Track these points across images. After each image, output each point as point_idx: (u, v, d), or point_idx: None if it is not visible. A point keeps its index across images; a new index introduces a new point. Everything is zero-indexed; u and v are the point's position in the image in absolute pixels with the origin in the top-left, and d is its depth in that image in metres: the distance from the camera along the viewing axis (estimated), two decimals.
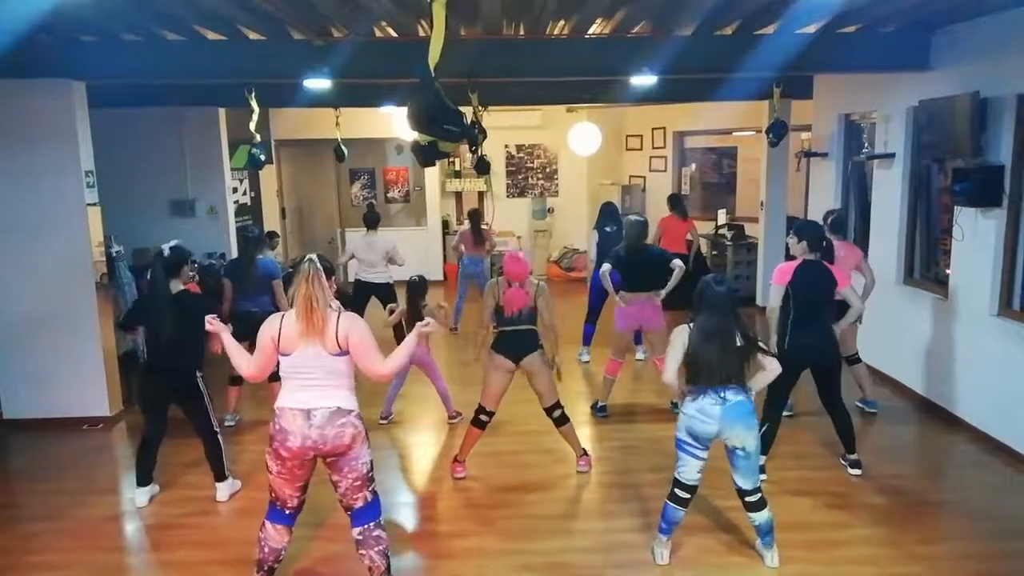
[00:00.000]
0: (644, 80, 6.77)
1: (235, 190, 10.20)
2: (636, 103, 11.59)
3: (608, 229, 7.81)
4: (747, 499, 3.97)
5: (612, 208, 8.05)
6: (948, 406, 6.05)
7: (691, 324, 3.92)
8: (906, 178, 6.71)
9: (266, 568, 3.67)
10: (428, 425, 6.28)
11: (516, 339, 5.00)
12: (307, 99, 7.31)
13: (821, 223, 5.41)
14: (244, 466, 5.34)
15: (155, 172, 9.25)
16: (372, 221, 7.92)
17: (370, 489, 3.62)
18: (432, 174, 12.33)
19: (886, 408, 6.31)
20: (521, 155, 13.07)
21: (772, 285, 4.95)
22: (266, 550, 3.65)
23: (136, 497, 4.86)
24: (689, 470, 3.95)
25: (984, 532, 4.37)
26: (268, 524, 3.66)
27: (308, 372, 3.46)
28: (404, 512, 4.86)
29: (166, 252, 4.74)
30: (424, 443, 5.97)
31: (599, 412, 6.32)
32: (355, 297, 8.01)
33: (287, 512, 3.65)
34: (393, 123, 11.18)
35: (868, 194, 7.61)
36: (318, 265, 3.46)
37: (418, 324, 3.62)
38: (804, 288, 4.84)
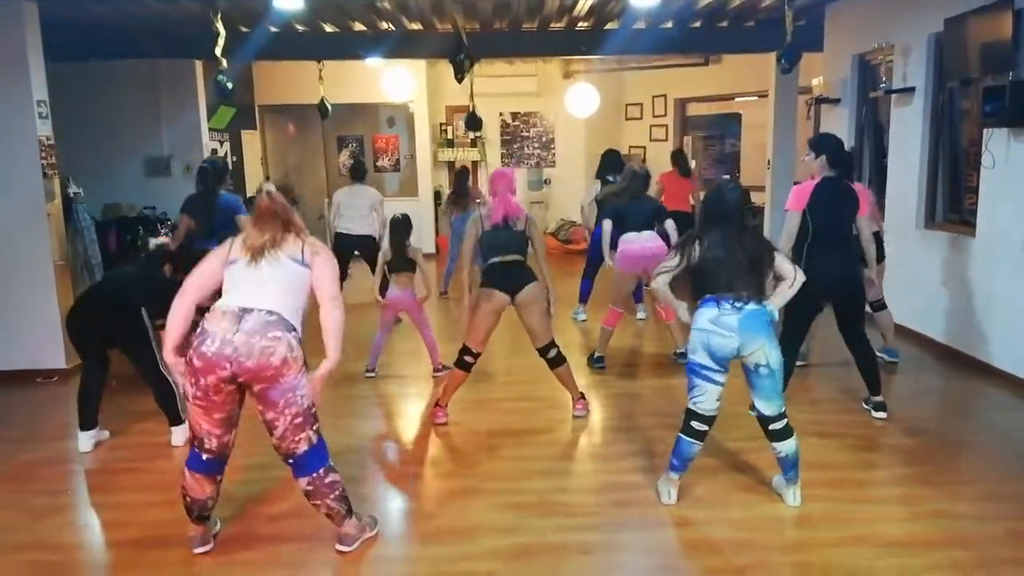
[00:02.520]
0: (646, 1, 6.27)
1: (215, 152, 9.70)
2: (636, 59, 11.20)
3: (611, 179, 7.30)
4: (771, 427, 3.48)
5: (615, 157, 7.53)
6: (976, 353, 5.56)
7: (698, 239, 3.44)
8: (927, 113, 6.22)
9: (195, 515, 3.15)
10: (414, 377, 5.78)
11: (509, 272, 4.51)
12: (280, 20, 6.84)
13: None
14: None
15: (129, 129, 8.75)
16: (359, 173, 7.48)
17: (313, 429, 3.04)
18: (424, 143, 11.85)
19: (909, 359, 5.82)
20: (517, 123, 12.58)
21: (787, 212, 4.44)
22: (188, 499, 3.11)
23: (79, 442, 4.37)
24: (707, 399, 3.45)
25: (1020, 475, 3.87)
26: (186, 471, 3.09)
27: (257, 276, 2.96)
28: (382, 457, 4.36)
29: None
30: (408, 394, 5.47)
31: (596, 364, 5.83)
32: (337, 252, 7.53)
33: (204, 457, 3.05)
34: (383, 87, 10.74)
35: (884, 138, 7.12)
36: (275, 192, 3.07)
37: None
38: (823, 209, 4.33)
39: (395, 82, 10.63)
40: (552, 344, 4.64)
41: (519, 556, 3.15)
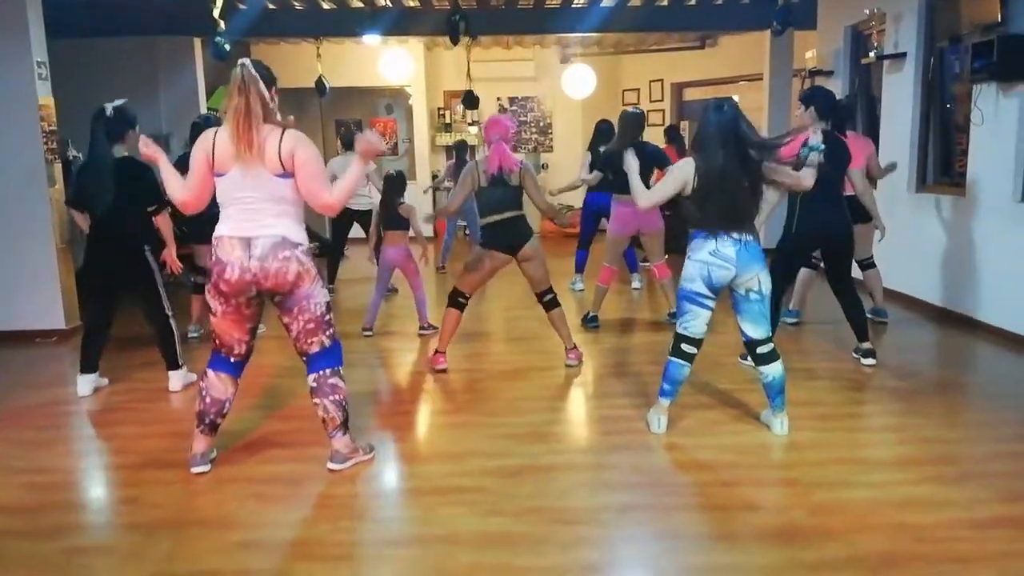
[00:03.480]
0: None
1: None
2: (633, 42, 11.25)
3: (602, 150, 7.33)
4: (758, 350, 3.53)
5: (608, 127, 7.54)
6: (966, 311, 5.61)
7: (695, 166, 3.47)
8: (918, 77, 6.29)
9: (207, 421, 3.22)
10: (412, 336, 5.81)
11: (508, 227, 4.54)
12: None
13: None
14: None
15: (141, 110, 8.81)
16: (350, 141, 7.49)
17: (327, 334, 3.19)
18: (422, 128, 11.91)
19: (900, 320, 5.86)
20: (514, 108, 12.63)
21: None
22: (207, 400, 3.21)
23: (78, 385, 4.41)
24: (698, 323, 3.52)
25: (1012, 418, 3.87)
26: (211, 372, 3.23)
27: (247, 196, 3.01)
28: (379, 400, 4.40)
29: (109, 112, 4.29)
30: (405, 349, 5.50)
31: (590, 323, 5.87)
32: (335, 225, 7.60)
33: (232, 360, 3.22)
34: (381, 70, 10.80)
35: (877, 108, 7.18)
36: (252, 71, 2.97)
37: (364, 135, 3.15)
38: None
39: (393, 65, 10.69)
40: (550, 290, 4.70)
41: (510, 475, 3.20)
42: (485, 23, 8.47)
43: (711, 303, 3.49)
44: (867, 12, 6.69)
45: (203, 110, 8.98)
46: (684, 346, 3.55)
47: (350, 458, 3.28)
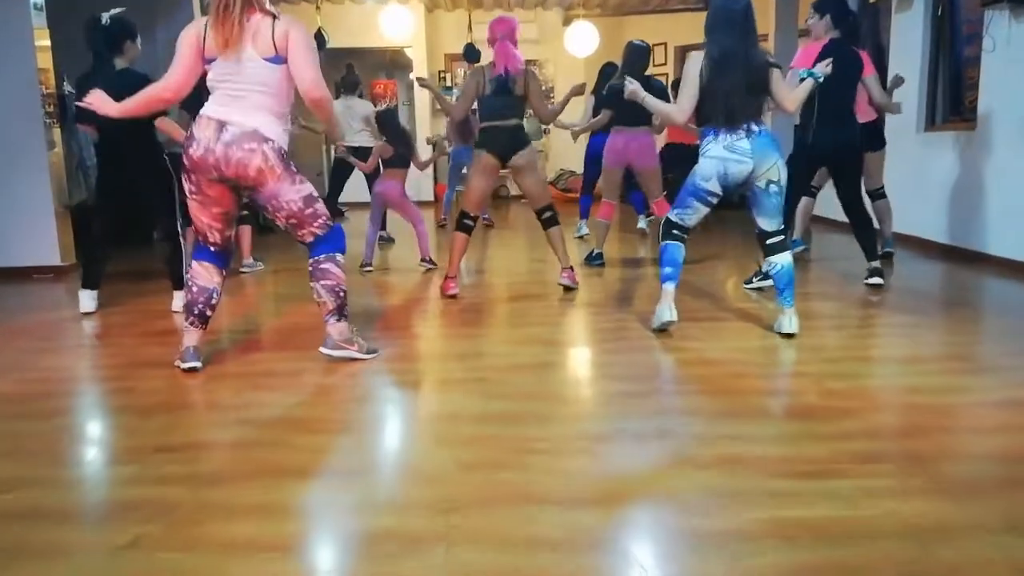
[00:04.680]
0: None
1: None
2: (642, 2, 11.15)
3: (605, 94, 7.22)
4: (769, 241, 3.49)
5: (613, 69, 7.41)
6: (975, 245, 5.52)
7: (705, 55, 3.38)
8: (927, 17, 6.19)
9: (196, 312, 3.15)
10: (414, 269, 5.71)
11: (503, 134, 4.46)
12: None
13: None
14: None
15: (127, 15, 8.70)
16: (351, 84, 7.39)
17: (316, 224, 3.13)
18: (422, 90, 11.72)
19: (907, 257, 5.77)
20: None
21: (792, 70, 4.39)
22: (195, 289, 3.16)
23: (80, 300, 4.33)
24: (695, 218, 3.51)
25: (1019, 329, 3.79)
26: (195, 261, 3.19)
27: (234, 81, 2.94)
28: (383, 322, 4.32)
29: (105, 21, 4.18)
30: (408, 281, 5.40)
31: (594, 261, 5.76)
32: (335, 171, 7.49)
33: (211, 248, 3.17)
34: (381, 30, 10.69)
35: (884, 57, 7.06)
36: None
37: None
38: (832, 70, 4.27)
39: (393, 25, 10.57)
40: (549, 207, 4.62)
41: (511, 370, 3.13)
42: None
43: (715, 201, 3.45)
44: None
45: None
46: (676, 231, 3.53)
47: (343, 347, 3.22)
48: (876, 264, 4.56)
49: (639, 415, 2.60)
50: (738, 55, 3.28)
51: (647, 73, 5.77)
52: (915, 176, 6.21)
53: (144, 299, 4.71)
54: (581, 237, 7.31)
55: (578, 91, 4.86)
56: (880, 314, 4.07)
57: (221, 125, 2.93)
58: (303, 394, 2.91)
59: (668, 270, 3.50)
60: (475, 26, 9.97)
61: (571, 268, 4.72)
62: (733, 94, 3.27)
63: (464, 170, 8.65)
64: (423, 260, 5.70)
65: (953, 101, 6.18)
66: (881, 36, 7.22)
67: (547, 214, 4.65)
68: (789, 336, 3.44)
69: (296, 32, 2.94)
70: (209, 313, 3.19)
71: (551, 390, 2.88)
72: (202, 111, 2.99)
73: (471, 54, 9.34)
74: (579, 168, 12.02)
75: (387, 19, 10.50)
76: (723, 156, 3.31)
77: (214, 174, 2.98)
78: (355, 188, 7.83)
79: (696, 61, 3.36)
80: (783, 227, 3.50)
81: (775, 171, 3.35)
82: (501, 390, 2.86)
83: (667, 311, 3.49)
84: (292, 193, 3.06)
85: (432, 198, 11.85)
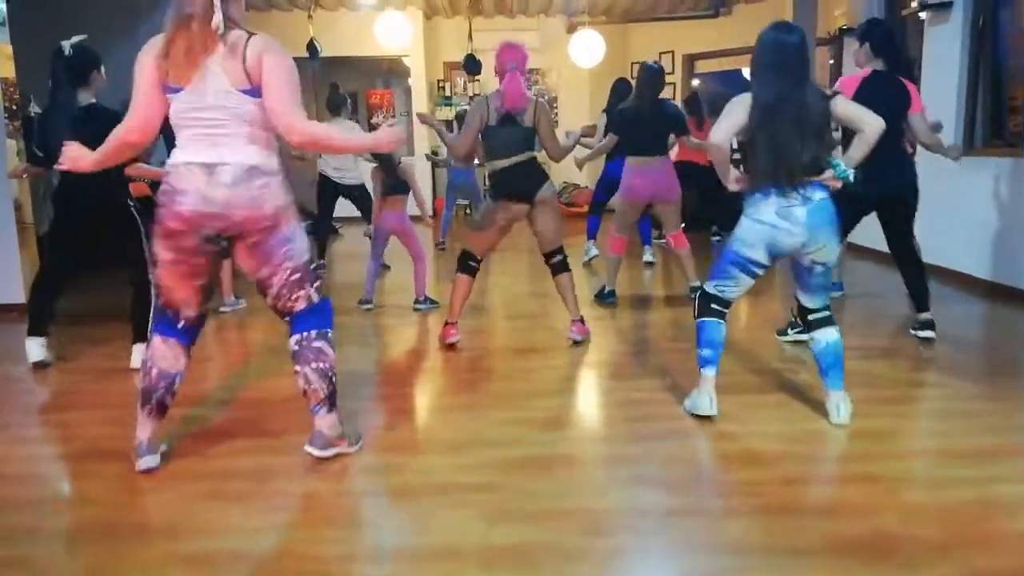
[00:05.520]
0: None
1: None
2: (642, 9, 10.63)
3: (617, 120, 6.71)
4: (811, 316, 2.99)
5: (626, 86, 6.93)
6: (1022, 284, 5.04)
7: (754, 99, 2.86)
8: (966, 28, 5.69)
9: (154, 400, 2.63)
10: (411, 308, 5.25)
11: (520, 172, 3.97)
12: None
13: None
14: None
15: (108, 66, 8.20)
16: (336, 105, 6.91)
17: (314, 287, 2.65)
18: (420, 100, 11.29)
19: (950, 295, 5.29)
20: None
21: None
22: (153, 373, 2.62)
23: (28, 350, 3.85)
24: (739, 290, 3.00)
25: None
26: (157, 338, 2.65)
27: (209, 116, 2.43)
28: (376, 379, 3.82)
29: (67, 51, 3.71)
30: (408, 323, 4.93)
31: (606, 299, 5.29)
32: (321, 195, 7.02)
33: (181, 324, 2.64)
34: (377, 38, 10.18)
35: (914, 69, 6.57)
36: None
37: (385, 125, 2.70)
38: (871, 104, 3.71)
39: (390, 32, 10.07)
40: (560, 250, 4.15)
41: (520, 467, 2.64)
42: None
43: (762, 272, 2.95)
44: None
45: None
46: (716, 305, 3.01)
47: (334, 445, 2.70)
48: (929, 316, 4.07)
49: (686, 553, 2.12)
50: (792, 101, 2.77)
51: (661, 96, 5.29)
52: (952, 205, 5.72)
53: (103, 348, 4.23)
54: (589, 262, 6.85)
55: (588, 133, 4.41)
56: (936, 380, 3.56)
57: (210, 168, 2.42)
58: (274, 509, 2.40)
59: (707, 352, 2.99)
60: (475, 34, 9.51)
61: (581, 319, 4.23)
62: (787, 148, 2.76)
63: (460, 188, 8.23)
64: (418, 301, 5.22)
65: (995, 123, 5.70)
66: (910, 45, 6.73)
67: (556, 258, 4.16)
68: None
69: (271, 57, 2.43)
70: (169, 401, 2.68)
71: (570, 504, 2.38)
72: (174, 159, 2.48)
73: (472, 66, 8.88)
74: (583, 181, 11.60)
75: (383, 27, 9.99)
76: (774, 223, 2.80)
77: (213, 229, 2.46)
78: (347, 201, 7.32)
79: (741, 106, 2.83)
80: (828, 304, 3.01)
81: (826, 252, 2.86)
82: (508, 504, 2.37)
83: (706, 402, 2.99)
84: (302, 239, 2.61)
85: (431, 212, 11.33)
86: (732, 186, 2.96)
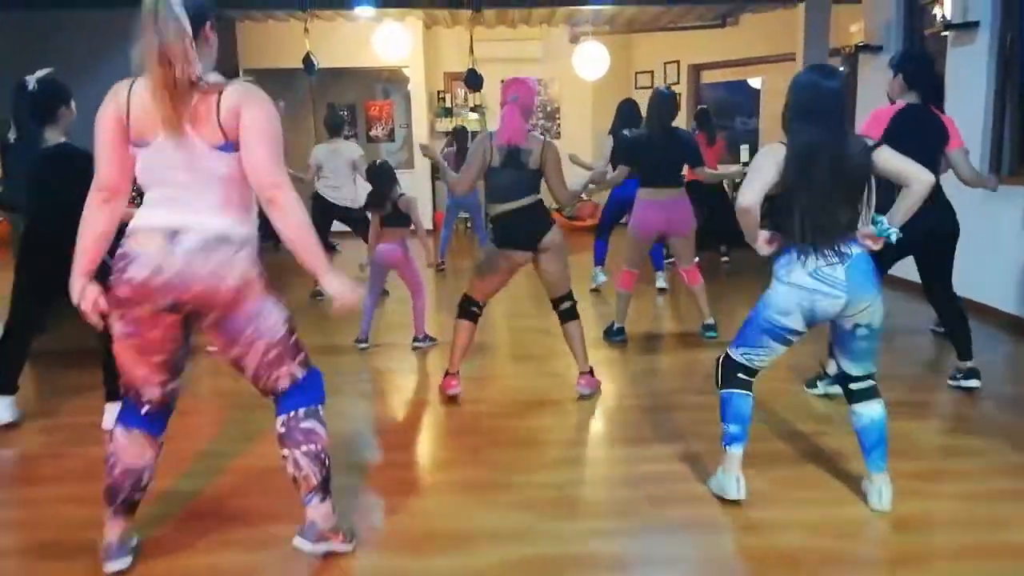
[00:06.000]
0: None
1: None
2: (647, 19, 10.35)
3: (627, 133, 6.42)
4: (853, 385, 2.72)
5: (633, 108, 6.64)
6: None
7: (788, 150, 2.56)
8: (993, 49, 5.42)
9: (121, 500, 2.35)
10: (409, 348, 4.98)
11: (523, 217, 3.69)
12: None
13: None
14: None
15: (95, 88, 7.86)
16: (335, 126, 6.70)
17: (298, 360, 2.34)
18: (421, 111, 11.02)
19: (981, 334, 4.95)
20: None
21: None
22: (117, 471, 2.33)
23: None
24: (769, 360, 2.72)
25: None
26: (118, 429, 2.35)
27: (177, 177, 2.15)
28: (369, 443, 3.55)
29: (32, 86, 3.44)
30: (404, 369, 4.66)
31: (615, 337, 5.02)
32: (316, 214, 6.76)
33: (143, 410, 2.33)
34: (376, 49, 9.91)
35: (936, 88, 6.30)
36: (172, 1, 2.06)
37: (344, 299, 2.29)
38: (904, 142, 3.40)
39: (389, 43, 9.79)
40: (568, 296, 3.88)
41: (533, 571, 2.36)
42: None
43: (798, 340, 2.66)
44: None
45: None
46: (743, 375, 2.73)
47: (327, 538, 2.40)
48: (972, 364, 3.80)
49: None
50: (830, 152, 2.48)
51: (674, 124, 5.01)
52: (977, 234, 5.42)
53: (80, 398, 3.97)
54: (596, 289, 6.58)
55: (598, 179, 4.16)
56: (988, 446, 3.24)
57: (172, 234, 2.12)
58: None
59: (733, 429, 2.71)
60: (477, 45, 9.21)
61: (590, 371, 3.96)
62: (824, 203, 2.48)
63: (459, 206, 7.95)
64: (416, 339, 4.95)
65: (1023, 150, 5.42)
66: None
67: (565, 304, 3.89)
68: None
69: (250, 110, 2.12)
70: (139, 497, 2.39)
71: None
72: (136, 222, 2.18)
73: (473, 80, 8.59)
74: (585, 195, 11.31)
75: (382, 37, 9.72)
76: (810, 287, 2.52)
77: (165, 302, 2.15)
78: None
79: (771, 160, 2.55)
80: (872, 373, 2.73)
81: (869, 313, 2.58)
82: None
83: (733, 485, 2.70)
84: (276, 313, 2.28)
85: (431, 226, 11.07)
86: (763, 250, 2.68)
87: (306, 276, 6.29)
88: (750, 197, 2.54)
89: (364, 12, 8.45)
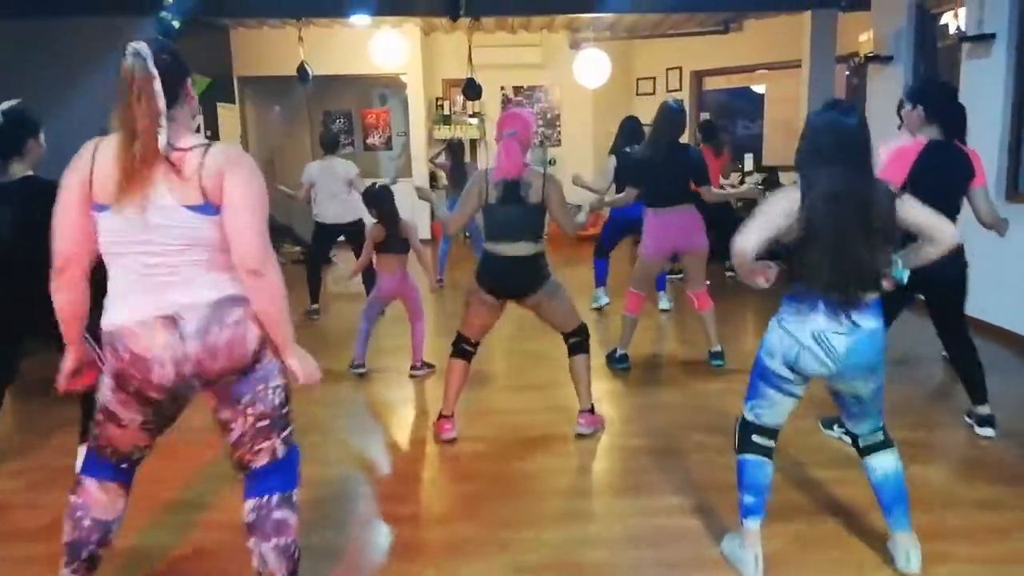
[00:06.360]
0: None
1: None
2: (649, 26, 10.16)
3: (629, 151, 6.21)
4: (862, 442, 2.56)
5: (635, 125, 6.44)
6: None
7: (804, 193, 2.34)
8: (1010, 63, 5.24)
9: (84, 556, 2.17)
10: (406, 373, 4.79)
11: (513, 268, 3.48)
12: None
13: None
14: None
15: (78, 99, 7.69)
16: (330, 143, 6.53)
17: (283, 436, 2.16)
18: (419, 118, 10.82)
19: (995, 360, 4.78)
20: (519, 98, 11.53)
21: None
22: (85, 525, 2.16)
23: None
24: (774, 413, 2.50)
25: None
26: (89, 483, 2.18)
27: (150, 244, 1.96)
28: (354, 495, 3.36)
29: None
30: (400, 399, 4.48)
31: (617, 364, 4.83)
32: (316, 238, 6.63)
33: (124, 465, 2.19)
34: (373, 56, 9.72)
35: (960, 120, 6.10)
36: (149, 64, 1.90)
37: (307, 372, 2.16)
38: (928, 181, 3.16)
39: (386, 50, 9.60)
40: (578, 331, 3.69)
41: None
42: (488, 2, 7.39)
43: (800, 390, 2.46)
44: None
45: None
46: (757, 438, 2.52)
47: None
48: (987, 410, 3.61)
49: None
50: (854, 195, 2.28)
51: (683, 140, 4.81)
52: (992, 255, 5.23)
53: (57, 436, 3.77)
54: (600, 308, 6.40)
55: (598, 206, 3.99)
56: (1006, 498, 3.06)
57: (170, 321, 1.96)
58: None
59: (748, 500, 2.50)
60: (476, 51, 9.03)
61: (591, 409, 3.76)
62: (849, 254, 2.27)
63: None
64: (415, 367, 4.77)
65: None
66: (942, 76, 6.27)
67: (574, 339, 3.70)
68: None
69: (236, 173, 1.96)
70: (102, 553, 2.23)
71: None
72: (116, 319, 1.99)
73: (472, 90, 8.41)
74: (588, 196, 11.12)
75: (379, 44, 9.53)
76: (800, 339, 2.33)
77: (197, 383, 2.03)
78: None
79: (780, 206, 2.33)
80: (880, 426, 2.54)
81: (864, 387, 2.40)
82: None
83: (751, 562, 2.48)
84: (277, 378, 2.14)
85: (429, 236, 10.88)
86: (760, 284, 2.46)
87: (301, 292, 6.34)
88: (750, 241, 2.33)
89: (359, 20, 8.25)
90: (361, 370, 4.76)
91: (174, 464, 3.40)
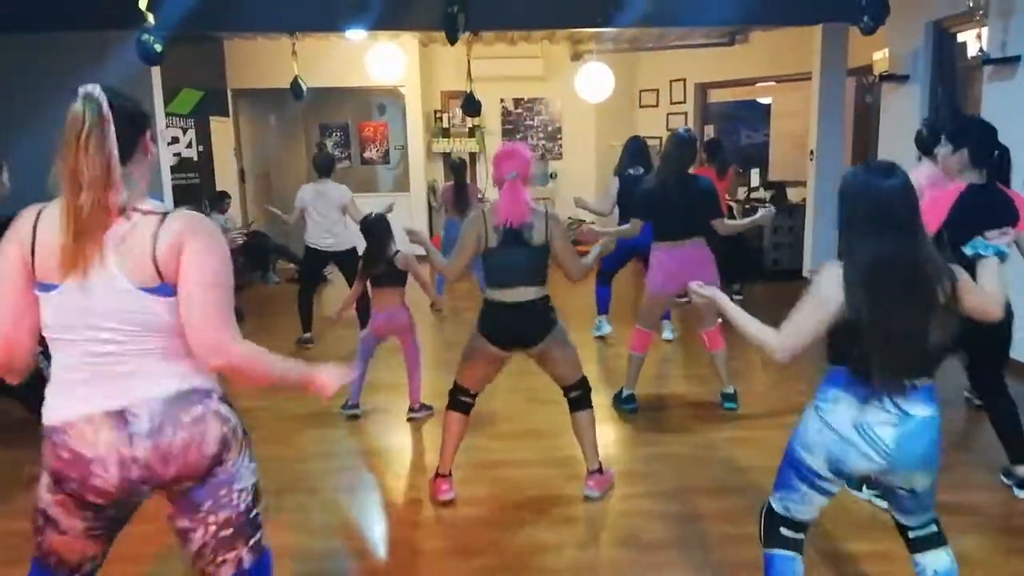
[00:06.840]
0: None
1: (175, 139, 8.47)
2: (652, 39, 9.91)
3: (632, 172, 5.97)
4: (912, 535, 2.29)
5: (639, 147, 6.18)
6: None
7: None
8: None
9: None
10: (402, 416, 4.55)
11: (519, 315, 3.23)
12: None
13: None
14: None
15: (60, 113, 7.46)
16: (324, 166, 6.30)
17: (250, 545, 1.88)
18: (416, 132, 10.57)
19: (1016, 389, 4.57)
20: (519, 111, 11.29)
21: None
22: None
23: None
24: (808, 509, 2.24)
25: None
26: None
27: (99, 329, 1.70)
28: (345, 566, 3.10)
29: None
30: (392, 446, 4.25)
31: (624, 404, 4.59)
32: (307, 263, 6.41)
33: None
34: (370, 69, 9.46)
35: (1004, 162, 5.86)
36: (103, 108, 1.65)
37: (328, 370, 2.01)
38: (968, 227, 2.75)
39: (383, 62, 9.34)
40: (579, 384, 3.44)
41: None
42: (488, 16, 7.13)
43: (836, 488, 2.19)
44: (970, 3, 5.33)
45: (161, 117, 7.59)
46: (786, 531, 2.26)
47: None
48: None
49: None
50: (905, 263, 2.02)
51: (692, 170, 4.55)
52: (1020, 286, 5.00)
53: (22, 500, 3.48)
54: (602, 337, 6.16)
55: (609, 249, 3.74)
56: None
57: (119, 416, 1.70)
58: None
59: None
60: (475, 62, 8.77)
61: (599, 469, 3.51)
62: (898, 333, 2.01)
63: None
64: (412, 410, 4.53)
65: None
66: (960, 98, 6.04)
67: (575, 393, 3.45)
68: None
69: (195, 246, 1.70)
70: None
71: None
72: (58, 414, 1.73)
73: (471, 106, 8.16)
74: (590, 217, 10.87)
75: (376, 57, 9.28)
76: (845, 436, 2.06)
77: (145, 488, 1.77)
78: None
79: (836, 282, 2.05)
80: (934, 518, 2.28)
81: (920, 481, 2.14)
82: None
83: None
84: (246, 478, 1.86)
85: (438, 295, 10.57)
86: (755, 334, 2.21)
87: (294, 318, 6.08)
88: (795, 345, 2.09)
89: (355, 35, 8.00)
90: (355, 411, 4.51)
91: (145, 541, 3.14)
